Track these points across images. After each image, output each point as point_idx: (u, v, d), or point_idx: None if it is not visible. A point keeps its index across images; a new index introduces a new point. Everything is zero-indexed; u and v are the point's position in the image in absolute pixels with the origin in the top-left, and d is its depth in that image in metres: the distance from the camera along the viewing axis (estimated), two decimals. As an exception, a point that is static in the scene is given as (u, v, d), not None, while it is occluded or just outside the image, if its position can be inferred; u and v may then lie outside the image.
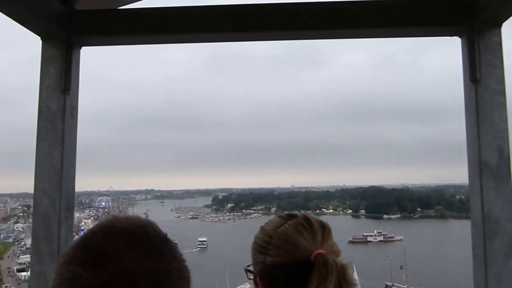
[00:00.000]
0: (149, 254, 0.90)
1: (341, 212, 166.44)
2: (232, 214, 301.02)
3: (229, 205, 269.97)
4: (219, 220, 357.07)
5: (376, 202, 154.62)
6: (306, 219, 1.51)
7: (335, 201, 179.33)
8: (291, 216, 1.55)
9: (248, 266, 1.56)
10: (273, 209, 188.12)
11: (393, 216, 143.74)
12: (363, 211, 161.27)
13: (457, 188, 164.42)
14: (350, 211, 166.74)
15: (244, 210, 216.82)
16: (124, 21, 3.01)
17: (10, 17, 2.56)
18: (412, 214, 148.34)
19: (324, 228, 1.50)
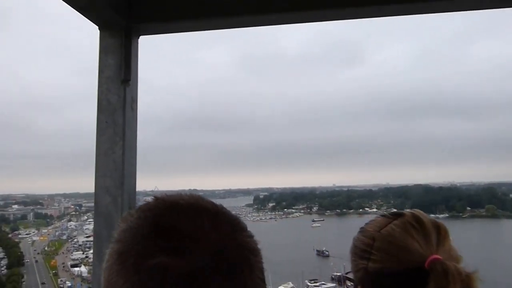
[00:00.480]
0: (233, 230, 0.83)
1: (385, 212, 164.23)
2: (273, 213, 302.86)
3: (271, 205, 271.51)
4: (260, 219, 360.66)
5: (422, 201, 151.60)
6: (416, 218, 1.30)
7: (379, 200, 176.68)
8: (398, 215, 1.36)
9: (347, 273, 1.43)
10: (314, 208, 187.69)
11: (441, 216, 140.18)
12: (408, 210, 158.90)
13: (510, 186, 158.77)
14: (394, 210, 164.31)
15: (285, 209, 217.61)
16: (185, 6, 2.87)
17: (68, 3, 2.44)
18: (461, 214, 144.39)
19: (440, 229, 1.28)
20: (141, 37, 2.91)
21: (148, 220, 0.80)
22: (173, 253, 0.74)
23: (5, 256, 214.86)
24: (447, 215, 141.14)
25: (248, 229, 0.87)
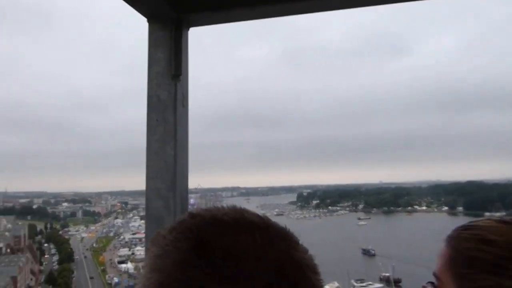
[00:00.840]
0: (288, 245, 0.73)
1: (435, 209, 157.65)
2: (317, 211, 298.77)
3: (315, 202, 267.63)
4: (304, 217, 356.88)
5: (476, 198, 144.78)
6: None
7: (428, 198, 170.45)
8: None
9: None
10: (360, 206, 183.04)
11: (497, 214, 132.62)
12: (460, 208, 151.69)
13: None
14: (446, 208, 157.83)
15: (330, 207, 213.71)
16: None
17: None
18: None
19: None
20: (190, 29, 2.80)
21: (189, 243, 0.67)
22: (226, 281, 0.62)
23: (57, 252, 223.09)
24: (504, 213, 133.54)
25: (300, 240, 0.79)
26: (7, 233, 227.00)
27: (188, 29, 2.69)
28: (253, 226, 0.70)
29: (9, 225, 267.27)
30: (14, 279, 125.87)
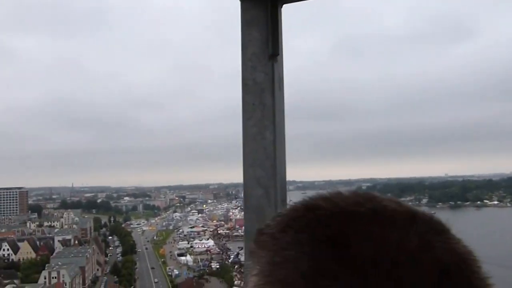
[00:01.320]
0: (446, 237, 0.54)
1: (508, 204, 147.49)
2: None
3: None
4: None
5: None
6: None
7: (500, 192, 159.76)
8: None
9: None
10: (424, 200, 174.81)
11: None
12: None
13: None
14: None
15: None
16: None
17: None
18: None
19: None
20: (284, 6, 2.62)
21: (321, 247, 0.50)
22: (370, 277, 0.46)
23: (120, 244, 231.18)
24: None
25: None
26: (74, 226, 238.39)
27: (282, 7, 2.51)
28: (399, 217, 0.53)
29: (76, 218, 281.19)
30: (82, 269, 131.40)
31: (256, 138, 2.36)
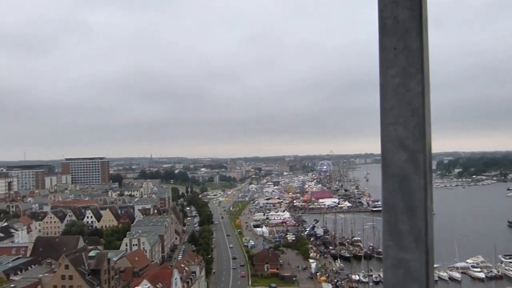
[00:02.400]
0: None
1: None
2: (460, 180, 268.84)
3: (457, 171, 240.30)
4: (445, 186, 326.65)
5: None
6: None
7: None
8: None
9: None
10: (510, 175, 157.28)
11: None
12: None
13: None
14: None
15: (474, 176, 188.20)
16: None
17: None
18: None
19: None
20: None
21: None
22: None
23: (197, 214, 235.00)
24: None
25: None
26: (153, 196, 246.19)
27: None
28: None
29: (155, 188, 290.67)
30: (161, 237, 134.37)
31: (398, 91, 1.95)
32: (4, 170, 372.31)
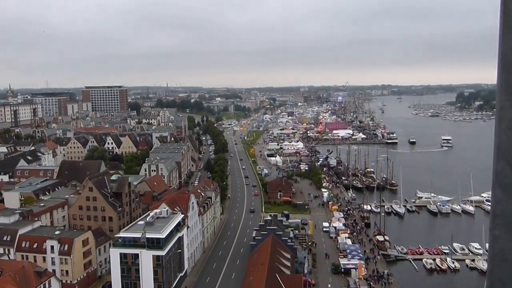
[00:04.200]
0: None
1: None
2: (480, 113, 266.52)
3: (477, 103, 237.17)
4: (464, 119, 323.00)
5: None
6: None
7: None
8: None
9: None
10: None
11: None
12: None
13: None
14: None
15: (495, 109, 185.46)
16: None
17: None
18: None
19: None
20: None
21: None
22: None
23: (212, 143, 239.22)
24: None
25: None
26: (170, 124, 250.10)
27: None
28: None
29: (172, 117, 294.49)
30: (178, 164, 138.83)
31: None
32: (29, 97, 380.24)
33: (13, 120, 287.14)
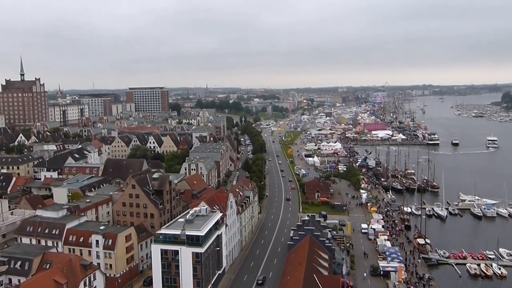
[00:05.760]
0: None
1: None
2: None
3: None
4: (510, 120, 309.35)
5: None
6: None
7: None
8: None
9: None
10: None
11: None
12: None
13: None
14: None
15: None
16: None
17: None
18: None
19: None
20: None
21: None
22: None
23: (250, 143, 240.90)
24: None
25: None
26: (210, 124, 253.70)
27: None
28: None
29: (211, 117, 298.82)
30: (217, 163, 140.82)
31: None
32: (77, 97, 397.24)
33: (62, 120, 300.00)
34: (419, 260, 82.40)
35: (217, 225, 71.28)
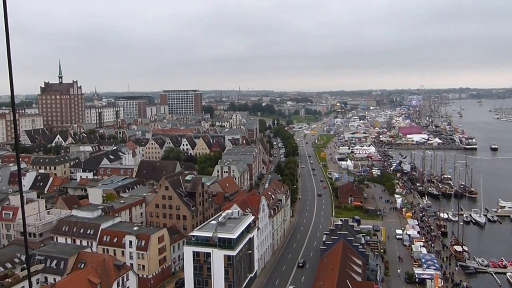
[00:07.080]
0: None
1: None
2: None
3: None
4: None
5: None
6: None
7: None
8: None
9: None
10: None
11: None
12: None
13: None
14: None
15: None
16: None
17: None
18: None
19: None
20: None
21: None
22: None
23: (283, 146, 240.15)
24: None
25: None
26: (242, 127, 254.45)
27: None
28: None
29: (244, 120, 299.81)
30: (249, 166, 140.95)
31: None
32: (112, 100, 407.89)
33: (98, 122, 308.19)
34: (456, 268, 79.82)
35: (249, 228, 71.15)
